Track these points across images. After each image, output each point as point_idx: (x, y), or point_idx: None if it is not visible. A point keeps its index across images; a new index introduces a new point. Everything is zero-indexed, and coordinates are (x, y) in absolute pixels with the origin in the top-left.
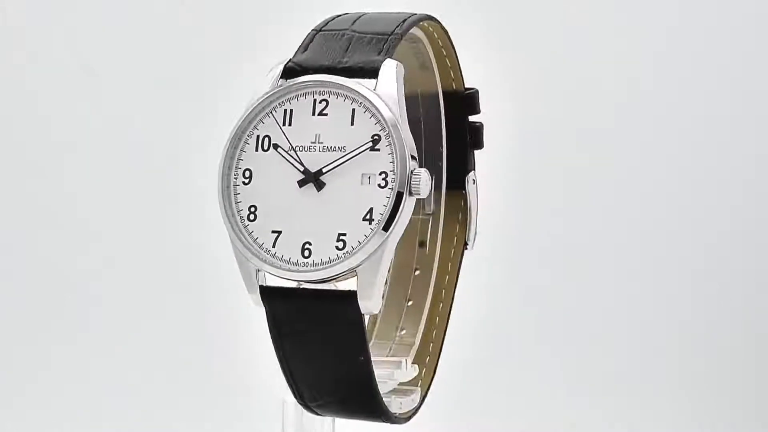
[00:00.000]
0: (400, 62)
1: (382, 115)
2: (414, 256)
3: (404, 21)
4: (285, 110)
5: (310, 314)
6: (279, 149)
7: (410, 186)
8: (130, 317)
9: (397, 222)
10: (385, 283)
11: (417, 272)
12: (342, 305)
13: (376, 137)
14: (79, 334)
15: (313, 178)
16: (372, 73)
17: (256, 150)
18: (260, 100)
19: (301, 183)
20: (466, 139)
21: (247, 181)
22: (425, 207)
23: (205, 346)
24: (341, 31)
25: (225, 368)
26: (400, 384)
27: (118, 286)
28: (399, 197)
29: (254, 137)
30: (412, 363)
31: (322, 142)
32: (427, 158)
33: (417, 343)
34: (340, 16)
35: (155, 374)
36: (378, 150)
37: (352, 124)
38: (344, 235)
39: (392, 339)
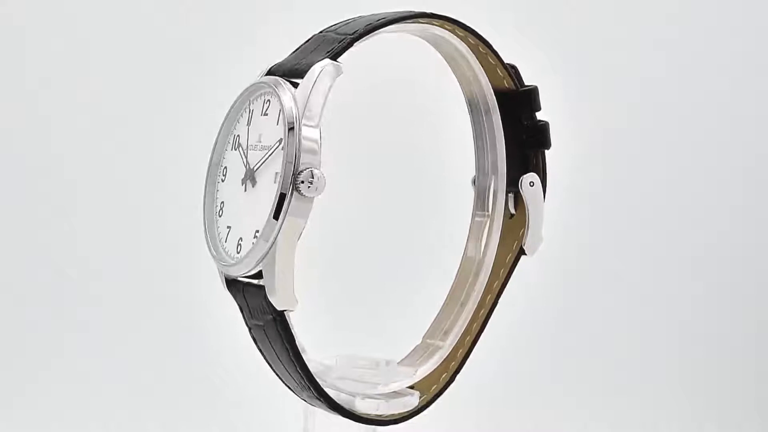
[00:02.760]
0: (338, 63)
1: (284, 115)
2: (476, 258)
3: (379, 20)
4: (250, 110)
5: (254, 308)
6: (240, 148)
7: (295, 185)
8: (132, 317)
9: (283, 221)
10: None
11: (474, 274)
12: (265, 300)
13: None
14: (80, 334)
15: (247, 177)
16: (303, 74)
17: (231, 149)
18: (236, 100)
19: (243, 180)
20: (522, 138)
21: (224, 178)
22: (487, 209)
23: (209, 346)
24: (326, 34)
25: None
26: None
27: (119, 286)
28: (281, 197)
29: (233, 136)
30: (437, 366)
31: (261, 141)
32: (490, 161)
33: (448, 347)
34: (357, 17)
35: (158, 374)
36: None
37: (277, 123)
38: (258, 231)
39: (434, 341)
